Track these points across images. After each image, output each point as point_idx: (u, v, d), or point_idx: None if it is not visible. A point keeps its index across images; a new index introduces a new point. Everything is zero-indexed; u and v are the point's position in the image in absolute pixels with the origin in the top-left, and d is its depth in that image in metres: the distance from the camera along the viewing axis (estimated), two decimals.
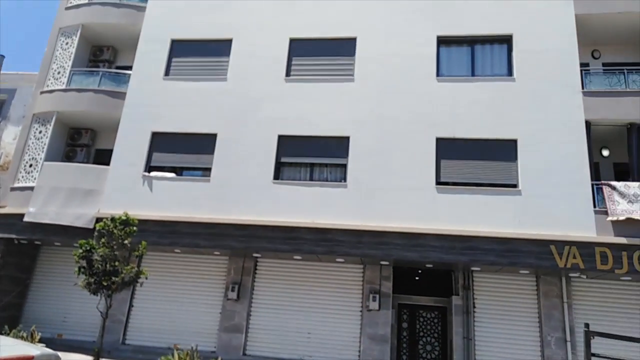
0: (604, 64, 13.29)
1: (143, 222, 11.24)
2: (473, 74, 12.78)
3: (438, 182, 11.71)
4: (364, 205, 11.74)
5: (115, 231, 9.93)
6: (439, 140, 12.08)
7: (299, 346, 12.10)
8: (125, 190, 12.83)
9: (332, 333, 12.08)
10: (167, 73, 14.05)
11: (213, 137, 13.07)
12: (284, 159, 12.66)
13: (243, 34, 14.05)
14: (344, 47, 13.49)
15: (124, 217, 10.11)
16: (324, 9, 13.92)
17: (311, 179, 12.41)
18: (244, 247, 11.80)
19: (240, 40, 13.99)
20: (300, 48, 13.73)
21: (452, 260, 10.91)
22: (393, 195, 11.69)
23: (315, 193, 12.07)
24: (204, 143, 13.07)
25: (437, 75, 12.74)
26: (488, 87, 12.39)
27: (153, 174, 12.96)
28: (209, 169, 12.79)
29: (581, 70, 12.14)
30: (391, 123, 12.41)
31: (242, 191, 12.35)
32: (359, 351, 11.79)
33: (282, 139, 12.79)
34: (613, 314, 11.18)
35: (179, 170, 13.11)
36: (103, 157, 14.01)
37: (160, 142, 13.34)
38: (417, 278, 12.86)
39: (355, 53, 13.31)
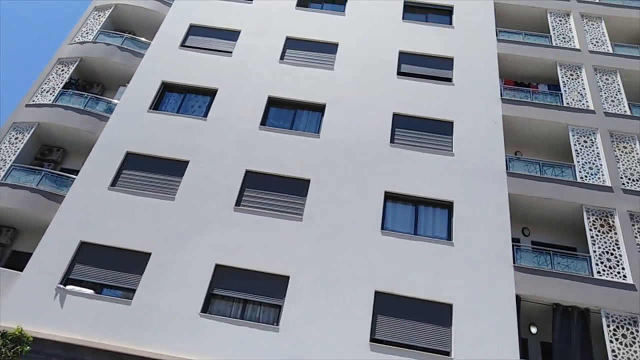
0: (532, 242, 14.27)
1: (40, 342, 9.92)
2: (415, 233, 13.29)
3: (373, 339, 11.33)
4: (294, 354, 10.98)
5: (3, 349, 8.63)
6: (377, 294, 11.99)
7: None
8: (32, 301, 11.48)
9: None
10: (113, 184, 13.68)
11: (146, 256, 12.35)
12: (216, 291, 12.00)
13: (200, 157, 14.26)
14: (297, 187, 13.88)
15: (17, 333, 8.89)
16: (282, 148, 14.60)
17: (242, 317, 11.68)
18: None
19: (196, 164, 14.14)
20: (254, 180, 13.99)
21: None
22: (326, 347, 11.08)
23: (244, 333, 11.27)
24: (135, 261, 12.28)
25: (382, 228, 13.14)
26: (428, 248, 12.82)
27: (69, 287, 11.81)
28: (133, 290, 11.85)
29: (513, 245, 12.94)
30: (333, 269, 12.32)
31: (165, 320, 11.35)
32: None
33: (219, 268, 12.28)
34: None
35: (99, 287, 12.05)
36: (18, 261, 12.76)
37: (87, 253, 12.41)
38: None
39: (307, 194, 13.68)
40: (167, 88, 16.11)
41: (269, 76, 16.38)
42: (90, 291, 11.78)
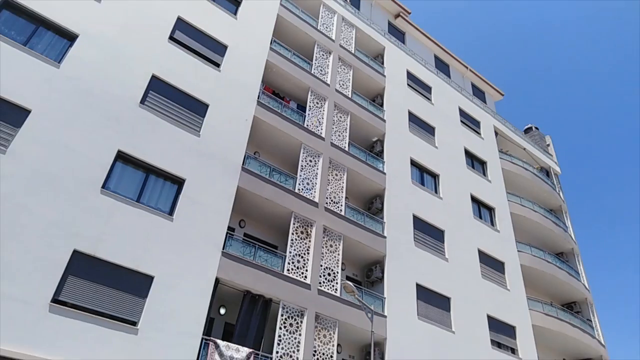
0: (245, 234, 15.65)
1: None
2: (138, 200, 12.81)
3: (55, 300, 10.29)
4: None
5: None
6: (75, 253, 11.02)
7: None
8: None
9: None
10: None
11: None
12: None
13: None
14: (9, 114, 11.63)
15: None
16: (7, 61, 12.03)
17: None
18: None
19: None
20: None
21: None
22: None
23: None
24: None
25: (103, 186, 12.21)
26: (147, 217, 12.53)
27: None
28: None
29: (227, 233, 13.89)
30: (28, 217, 10.71)
31: None
32: None
33: None
34: None
35: None
36: None
37: None
38: None
39: (22, 126, 11.61)
40: None
41: None
42: None
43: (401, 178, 20.26)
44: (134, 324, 11.09)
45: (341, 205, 17.41)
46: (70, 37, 13.70)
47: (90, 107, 12.98)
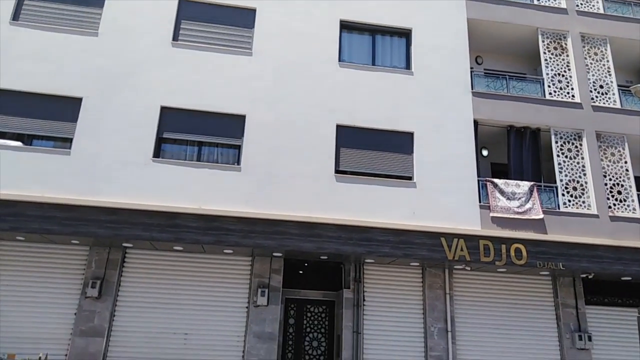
0: (485, 69, 14.14)
1: None
2: (374, 63, 12.56)
3: (337, 171, 11.22)
4: (259, 192, 10.70)
5: None
6: (339, 128, 11.60)
7: (173, 349, 10.55)
8: None
9: (213, 333, 10.76)
10: (15, 17, 11.24)
11: (77, 101, 10.78)
12: (166, 135, 10.97)
13: None
14: (242, 17, 12.26)
15: None
16: None
17: (199, 160, 10.95)
18: (111, 235, 9.84)
19: None
20: (191, 10, 12.11)
21: (349, 251, 10.45)
22: (290, 182, 10.87)
23: (203, 176, 10.65)
24: (64, 107, 10.70)
25: (339, 60, 12.25)
26: (387, 78, 12.26)
27: None
28: (70, 140, 10.51)
29: (470, 71, 12.70)
30: (290, 105, 11.56)
31: (113, 169, 10.37)
32: (243, 351, 10.70)
33: (165, 111, 11.08)
34: (488, 305, 11.81)
35: (27, 139, 10.53)
36: None
37: (4, 102, 10.57)
38: (301, 272, 12.16)
39: (254, 26, 12.17)
40: None
41: None
42: (18, 143, 10.28)
43: None
44: (410, 178, 11.43)
45: (597, 1, 13.97)
46: None
47: None
